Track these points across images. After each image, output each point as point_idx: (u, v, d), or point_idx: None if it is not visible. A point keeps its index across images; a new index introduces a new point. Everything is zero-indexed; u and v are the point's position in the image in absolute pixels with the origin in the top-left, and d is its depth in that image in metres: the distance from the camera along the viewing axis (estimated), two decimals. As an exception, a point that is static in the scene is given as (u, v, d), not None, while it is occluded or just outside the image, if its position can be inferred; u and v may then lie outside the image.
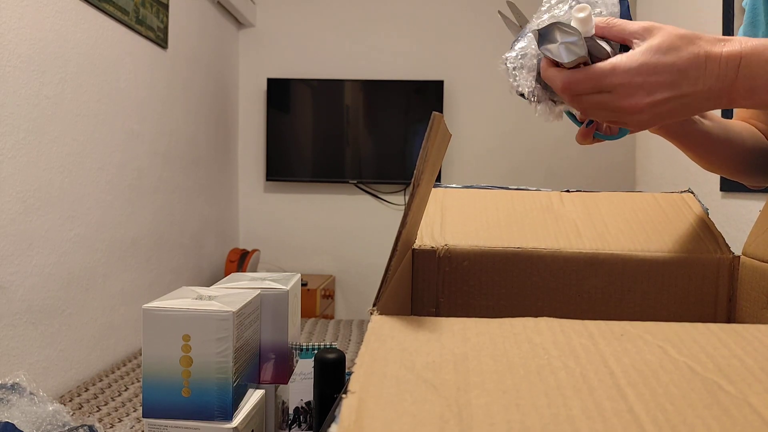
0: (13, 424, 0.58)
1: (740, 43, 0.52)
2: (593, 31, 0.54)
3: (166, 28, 2.24)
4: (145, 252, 2.14)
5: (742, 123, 0.80)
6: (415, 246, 0.62)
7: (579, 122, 0.66)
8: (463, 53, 3.15)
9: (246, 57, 3.22)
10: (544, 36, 0.53)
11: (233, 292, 0.55)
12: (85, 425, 1.12)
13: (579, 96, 0.55)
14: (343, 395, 0.27)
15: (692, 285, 0.60)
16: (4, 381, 1.17)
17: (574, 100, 0.55)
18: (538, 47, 0.54)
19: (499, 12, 0.64)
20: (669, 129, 0.73)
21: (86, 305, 1.75)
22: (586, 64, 0.54)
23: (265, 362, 0.58)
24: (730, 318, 0.60)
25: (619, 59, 0.52)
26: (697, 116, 0.73)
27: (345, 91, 3.10)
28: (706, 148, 0.74)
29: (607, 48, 0.54)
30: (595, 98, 0.54)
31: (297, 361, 0.65)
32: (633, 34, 0.54)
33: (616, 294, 0.60)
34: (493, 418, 0.25)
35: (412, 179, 0.42)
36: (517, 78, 0.60)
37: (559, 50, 0.53)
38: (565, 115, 0.64)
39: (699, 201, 0.70)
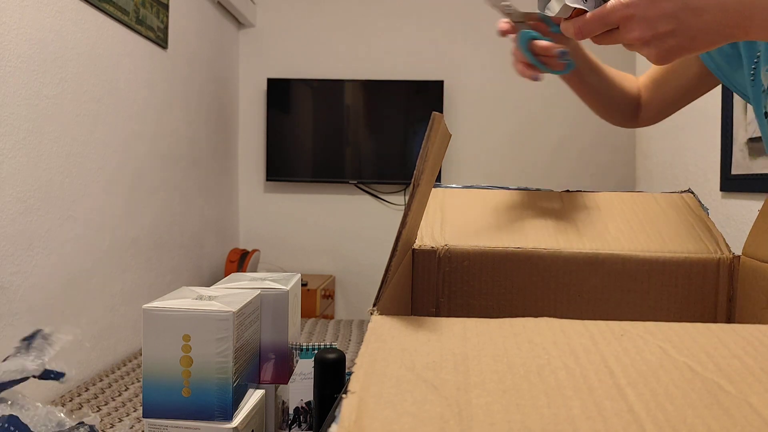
0: (17, 417, 0.58)
1: None
2: None
3: (166, 28, 2.24)
4: (145, 252, 2.14)
5: (626, 76, 0.92)
6: (415, 246, 0.62)
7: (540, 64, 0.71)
8: (463, 53, 3.16)
9: (246, 57, 3.22)
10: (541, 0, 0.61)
11: (233, 292, 0.55)
12: (85, 425, 1.12)
13: (595, 39, 0.58)
14: (343, 395, 0.27)
15: (692, 285, 0.60)
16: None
17: (596, 39, 0.59)
18: (540, 11, 0.62)
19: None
20: (569, 79, 0.84)
21: (86, 305, 1.75)
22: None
23: (265, 362, 0.58)
24: (730, 318, 0.60)
25: None
26: (588, 68, 0.85)
27: (345, 91, 3.10)
28: (589, 98, 0.88)
29: None
30: (608, 37, 0.58)
31: (297, 361, 0.65)
32: None
33: (616, 294, 0.60)
34: (493, 418, 0.25)
35: (412, 179, 0.41)
36: None
37: (552, 4, 0.60)
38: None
39: (699, 201, 0.70)
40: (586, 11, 0.58)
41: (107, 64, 1.86)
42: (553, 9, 0.60)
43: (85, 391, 1.63)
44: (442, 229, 0.65)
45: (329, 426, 0.26)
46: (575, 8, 0.59)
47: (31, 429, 0.57)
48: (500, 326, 0.38)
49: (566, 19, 0.60)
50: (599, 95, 0.88)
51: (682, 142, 2.40)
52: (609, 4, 0.55)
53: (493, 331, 0.37)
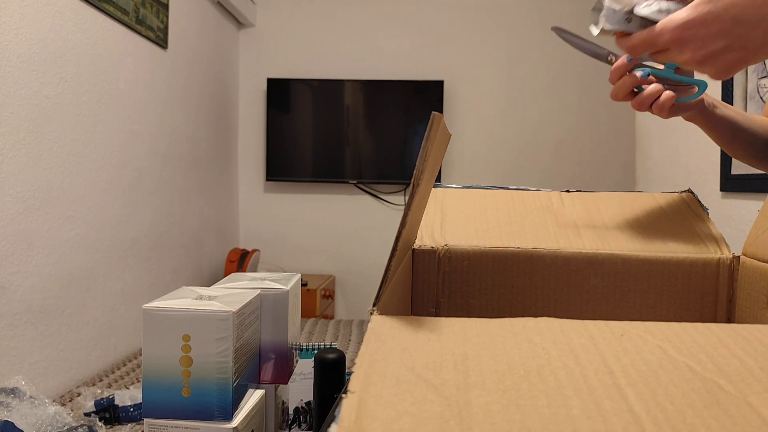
0: (12, 423, 0.58)
1: None
2: (634, 2, 0.58)
3: (166, 28, 2.24)
4: (145, 252, 2.14)
5: (763, 118, 0.83)
6: (415, 246, 0.62)
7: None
8: (463, 53, 3.15)
9: (246, 57, 3.22)
10: (593, 14, 0.60)
11: (233, 292, 0.55)
12: (85, 425, 1.12)
13: (651, 54, 0.58)
14: (343, 395, 0.27)
15: (692, 285, 0.60)
16: (4, 386, 1.18)
17: (651, 56, 0.59)
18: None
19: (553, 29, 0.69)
20: (694, 115, 0.75)
21: (86, 305, 1.75)
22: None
23: (265, 362, 0.58)
24: (730, 318, 0.60)
25: (667, 18, 0.54)
26: (719, 103, 0.77)
27: (345, 91, 3.10)
28: (728, 134, 0.77)
29: (671, 6, 0.57)
30: (659, 58, 0.58)
31: (297, 361, 0.65)
32: None
33: (616, 294, 0.60)
34: (493, 418, 0.25)
35: (412, 179, 0.42)
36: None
37: (592, 28, 0.60)
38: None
39: (699, 201, 0.70)
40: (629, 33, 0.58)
41: (107, 64, 1.86)
42: (593, 32, 0.60)
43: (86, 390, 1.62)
44: (442, 229, 0.65)
45: (329, 426, 0.26)
46: (615, 30, 0.58)
47: (35, 429, 0.57)
48: (500, 326, 0.38)
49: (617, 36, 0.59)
50: (742, 142, 0.79)
51: (682, 142, 2.40)
52: (657, 27, 0.55)
53: (493, 331, 0.37)
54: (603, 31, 0.59)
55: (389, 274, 0.42)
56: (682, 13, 0.53)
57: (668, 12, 0.56)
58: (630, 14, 0.58)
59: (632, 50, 0.58)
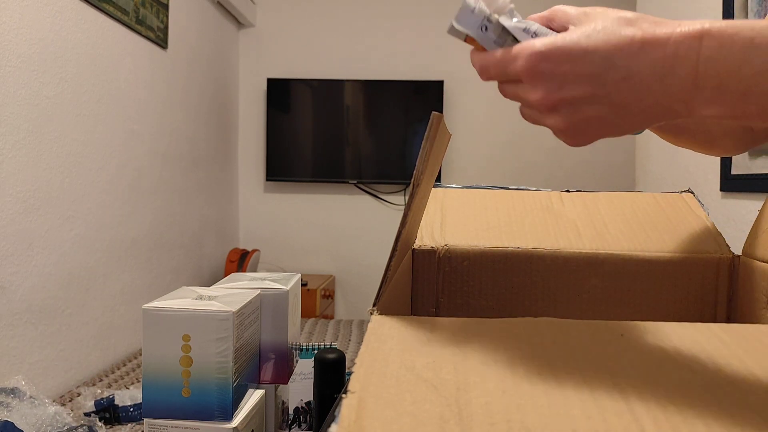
0: (12, 423, 0.58)
1: (703, 23, 0.37)
2: (506, 9, 0.44)
3: (166, 28, 2.24)
4: (145, 252, 2.14)
5: None
6: (415, 246, 0.62)
7: None
8: (463, 53, 3.15)
9: (246, 57, 3.22)
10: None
11: (233, 292, 0.55)
12: (85, 425, 1.13)
13: (499, 84, 0.45)
14: (343, 395, 0.27)
15: (692, 285, 0.60)
16: (4, 386, 1.18)
17: (500, 88, 0.46)
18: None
19: None
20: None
21: (86, 305, 1.75)
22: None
23: (265, 362, 0.58)
24: (730, 318, 0.60)
25: (527, 42, 0.41)
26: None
27: (345, 91, 3.10)
28: (677, 133, 0.67)
29: (541, 32, 0.44)
30: (508, 89, 0.44)
31: (297, 361, 0.65)
32: (571, 19, 0.42)
33: (616, 294, 0.60)
34: (493, 418, 0.25)
35: (412, 179, 0.42)
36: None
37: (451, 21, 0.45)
38: None
39: (699, 201, 0.70)
40: (484, 45, 0.45)
41: (107, 64, 1.86)
42: (447, 28, 0.46)
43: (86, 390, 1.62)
44: (442, 229, 0.65)
45: (329, 426, 0.26)
46: (466, 35, 0.45)
47: (35, 429, 0.57)
48: (500, 326, 0.38)
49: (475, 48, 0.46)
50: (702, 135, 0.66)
51: (682, 142, 2.40)
52: (514, 49, 0.42)
53: (493, 331, 0.37)
54: (454, 30, 0.45)
55: (389, 274, 0.42)
56: (545, 39, 0.40)
57: (535, 36, 0.43)
58: (488, 21, 0.44)
59: (482, 72, 0.44)
